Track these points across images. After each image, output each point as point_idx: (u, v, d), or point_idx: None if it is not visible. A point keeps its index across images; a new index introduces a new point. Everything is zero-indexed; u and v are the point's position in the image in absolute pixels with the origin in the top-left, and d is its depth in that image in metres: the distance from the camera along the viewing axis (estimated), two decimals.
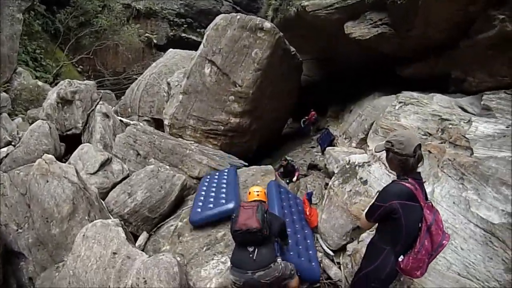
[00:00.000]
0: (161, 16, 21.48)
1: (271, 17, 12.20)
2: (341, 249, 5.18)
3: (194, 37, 21.54)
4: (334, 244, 5.21)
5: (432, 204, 2.93)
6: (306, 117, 14.00)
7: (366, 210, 2.92)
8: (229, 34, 8.56)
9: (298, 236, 5.10)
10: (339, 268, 4.91)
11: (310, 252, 4.91)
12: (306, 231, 5.40)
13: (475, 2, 5.71)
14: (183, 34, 21.91)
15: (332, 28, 9.52)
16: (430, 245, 2.81)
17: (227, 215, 4.94)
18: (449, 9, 6.14)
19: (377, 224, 3.13)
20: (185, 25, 21.98)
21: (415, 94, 6.42)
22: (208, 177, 6.40)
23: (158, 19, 21.50)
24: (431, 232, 2.80)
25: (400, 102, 6.36)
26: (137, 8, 21.02)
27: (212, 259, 4.50)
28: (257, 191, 4.30)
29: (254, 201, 4.07)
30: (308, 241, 5.18)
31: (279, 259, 3.80)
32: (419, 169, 2.91)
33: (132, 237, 5.19)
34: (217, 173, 6.48)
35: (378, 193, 2.87)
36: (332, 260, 5.11)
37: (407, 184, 2.77)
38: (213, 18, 9.34)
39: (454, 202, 3.81)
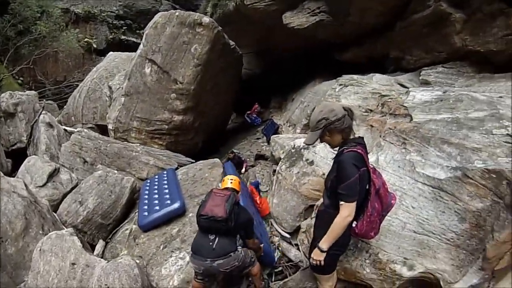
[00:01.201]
0: (100, 19, 20.73)
1: (210, 13, 12.12)
2: (297, 231, 5.22)
3: (134, 39, 21.00)
4: (289, 226, 5.24)
5: (374, 167, 3.02)
6: (249, 111, 14.09)
7: (344, 195, 2.75)
8: (168, 31, 8.41)
9: (255, 220, 5.08)
10: (298, 249, 4.94)
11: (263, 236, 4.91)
12: (259, 217, 5.42)
13: None
14: (123, 37, 21.30)
15: (270, 20, 9.58)
16: (380, 207, 2.93)
17: (175, 215, 4.94)
18: None
19: (324, 191, 3.18)
20: (124, 27, 21.36)
21: (355, 76, 6.53)
22: (148, 181, 6.29)
23: (97, 23, 20.75)
24: (380, 195, 2.90)
25: (340, 85, 6.46)
26: (76, 12, 20.27)
27: (171, 256, 4.43)
28: (231, 179, 4.17)
29: (227, 189, 3.98)
30: (261, 226, 5.22)
31: (239, 248, 3.73)
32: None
33: (89, 246, 5.05)
34: (156, 176, 6.37)
35: (341, 170, 2.78)
36: (290, 243, 5.14)
37: (358, 150, 2.80)
38: (151, 18, 9.14)
39: (399, 166, 3.89)
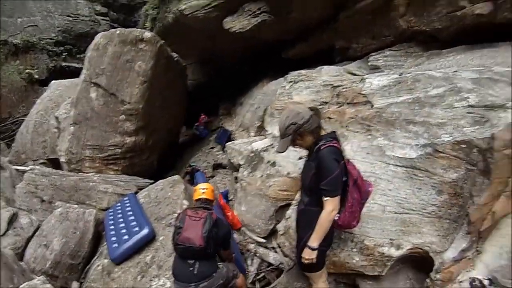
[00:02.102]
0: (40, 47, 19.79)
1: (149, 28, 11.93)
2: (271, 234, 5.17)
3: (75, 65, 20.23)
4: (262, 231, 5.17)
5: (348, 159, 3.05)
6: (197, 123, 14.02)
7: (327, 191, 2.76)
8: (110, 51, 8.11)
9: None
10: (276, 252, 4.88)
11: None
12: None
13: None
14: (64, 63, 20.48)
15: (212, 27, 9.46)
16: (359, 196, 2.96)
17: (146, 241, 4.75)
18: None
19: (302, 190, 3.22)
20: (64, 53, 20.50)
21: (303, 71, 6.58)
22: (111, 210, 6.01)
23: (37, 51, 19.82)
24: (358, 185, 2.94)
25: (289, 82, 6.51)
26: (15, 43, 19.54)
27: (150, 285, 4.22)
28: (203, 189, 3.92)
29: (200, 199, 3.81)
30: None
31: (220, 265, 3.62)
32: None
33: None
34: (118, 204, 6.11)
35: (322, 167, 2.77)
36: (266, 247, 5.06)
37: (335, 144, 2.85)
38: (91, 40, 8.75)
39: (368, 153, 3.96)
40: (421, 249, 3.38)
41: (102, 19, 22.06)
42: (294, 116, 2.84)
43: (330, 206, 2.75)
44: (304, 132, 2.86)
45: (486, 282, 3.09)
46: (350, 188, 2.89)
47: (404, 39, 6.15)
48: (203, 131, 13.72)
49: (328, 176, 2.72)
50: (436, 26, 5.38)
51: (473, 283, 3.14)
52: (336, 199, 2.78)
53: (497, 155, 2.96)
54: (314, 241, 2.85)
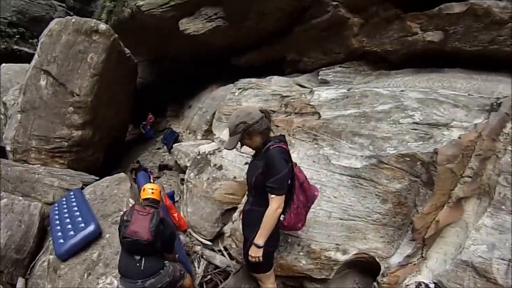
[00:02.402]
0: None
1: (104, 20, 11.64)
2: (218, 236, 5.24)
3: (26, 49, 19.34)
4: (209, 233, 5.22)
5: (295, 163, 3.11)
6: (144, 122, 13.89)
7: (274, 189, 2.79)
8: (63, 39, 7.90)
9: None
10: (222, 255, 4.93)
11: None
12: None
13: None
14: (15, 46, 19.49)
15: (167, 26, 9.45)
16: (305, 199, 3.06)
17: (92, 238, 4.66)
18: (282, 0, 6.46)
19: (248, 190, 3.25)
20: (17, 36, 19.49)
21: (253, 79, 6.71)
22: (56, 205, 5.82)
23: None
24: (304, 188, 3.03)
25: (239, 89, 6.64)
26: None
27: (97, 283, 4.11)
28: (151, 189, 3.93)
29: (148, 199, 3.82)
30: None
31: (167, 263, 3.63)
32: None
33: (10, 287, 4.69)
34: (63, 199, 5.93)
35: (271, 165, 2.80)
36: (213, 250, 5.10)
37: (284, 146, 2.91)
38: (46, 25, 8.50)
39: (313, 161, 4.08)
40: (367, 254, 3.52)
41: (59, 5, 21.32)
42: (245, 116, 2.87)
43: (276, 204, 2.79)
44: (253, 132, 2.89)
45: (432, 286, 3.25)
46: (296, 190, 2.97)
47: (355, 57, 6.39)
48: (149, 131, 13.63)
49: (276, 174, 2.76)
50: (387, 48, 5.67)
51: (419, 287, 3.29)
52: (282, 198, 2.82)
53: (440, 169, 3.16)
54: (260, 238, 2.87)
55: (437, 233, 3.35)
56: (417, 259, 3.39)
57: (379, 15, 5.71)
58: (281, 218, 2.93)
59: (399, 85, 4.92)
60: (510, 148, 3.36)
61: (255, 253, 2.92)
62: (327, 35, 6.56)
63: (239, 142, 2.96)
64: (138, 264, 3.38)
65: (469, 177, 3.33)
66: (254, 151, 3.20)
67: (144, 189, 3.98)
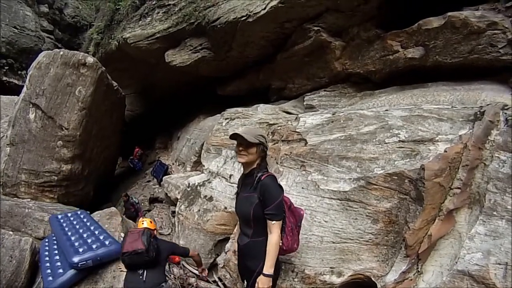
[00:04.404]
0: None
1: (92, 52, 11.74)
2: (211, 268, 5.25)
3: (15, 81, 19.45)
4: (203, 265, 5.08)
5: None
6: (131, 156, 14.00)
7: (274, 215, 2.83)
8: (52, 72, 7.98)
9: None
10: (217, 285, 4.93)
11: None
12: None
13: (291, 20, 6.20)
14: (4, 78, 19.54)
15: (153, 58, 9.61)
16: (294, 220, 3.13)
17: (82, 277, 4.64)
18: (266, 28, 6.55)
19: (243, 224, 3.19)
20: (6, 67, 19.60)
21: (239, 109, 6.82)
22: (46, 240, 5.77)
23: None
24: (292, 210, 3.12)
25: (226, 119, 6.75)
26: None
27: None
28: (143, 221, 4.44)
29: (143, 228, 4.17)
30: None
31: (169, 282, 4.01)
32: None
33: None
34: (53, 234, 5.87)
35: (268, 193, 2.84)
36: (208, 281, 5.09)
37: (274, 174, 3.00)
38: (35, 57, 8.59)
39: (302, 187, 4.09)
40: (362, 274, 3.49)
41: (47, 37, 21.53)
42: (264, 136, 2.98)
43: (277, 229, 2.84)
44: (262, 152, 2.97)
45: None
46: (287, 213, 3.02)
47: (339, 80, 6.48)
48: (137, 164, 13.69)
49: (274, 201, 2.81)
50: (370, 69, 5.75)
51: None
52: (280, 223, 2.88)
53: (428, 183, 3.18)
54: (269, 267, 2.84)
55: (431, 246, 3.35)
56: (413, 274, 3.37)
57: (360, 37, 5.82)
58: (280, 244, 2.94)
59: (384, 104, 5.01)
60: (496, 155, 3.39)
61: (267, 284, 2.87)
62: (310, 60, 6.67)
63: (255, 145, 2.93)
64: (141, 277, 3.71)
65: (458, 188, 3.36)
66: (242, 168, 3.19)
67: (139, 222, 4.52)
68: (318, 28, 5.99)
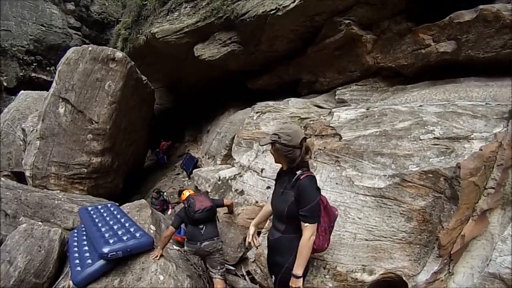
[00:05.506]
0: (10, 54, 19.09)
1: (120, 48, 11.82)
2: (240, 261, 5.23)
3: (44, 77, 19.79)
4: (232, 258, 5.22)
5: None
6: (157, 149, 14.01)
7: (307, 217, 2.79)
8: (81, 68, 8.04)
9: None
10: (245, 279, 4.93)
11: None
12: None
13: (321, 13, 6.15)
14: (33, 74, 19.82)
15: (182, 52, 9.63)
16: (329, 220, 3.11)
17: (110, 268, 4.56)
18: (295, 22, 6.51)
19: (276, 218, 3.16)
20: (35, 64, 19.91)
21: (270, 102, 6.76)
22: (75, 231, 5.79)
23: (7, 58, 19.09)
24: (328, 210, 3.10)
25: (257, 112, 6.69)
26: None
27: None
28: (188, 191, 5.33)
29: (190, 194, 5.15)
30: None
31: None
32: None
33: None
34: (82, 225, 5.86)
35: (304, 194, 2.80)
36: (236, 274, 5.08)
37: (313, 174, 2.95)
38: (63, 53, 8.67)
39: (336, 183, 4.03)
40: (393, 273, 3.43)
41: (75, 33, 21.81)
42: (284, 134, 2.88)
43: (309, 232, 2.78)
44: (280, 150, 2.90)
45: None
46: (322, 212, 2.98)
47: (370, 75, 6.41)
48: (161, 157, 13.68)
49: (309, 203, 2.77)
50: (402, 63, 5.67)
51: None
52: (315, 226, 2.82)
53: (463, 182, 3.10)
54: (299, 268, 2.83)
55: (463, 247, 3.28)
56: (444, 275, 3.30)
57: (391, 30, 5.76)
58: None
59: (416, 99, 4.92)
60: None
61: (296, 284, 2.86)
62: (341, 54, 6.60)
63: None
64: (201, 231, 4.63)
65: (492, 188, 3.28)
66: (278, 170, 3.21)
67: (183, 194, 5.27)
68: (348, 21, 5.94)
